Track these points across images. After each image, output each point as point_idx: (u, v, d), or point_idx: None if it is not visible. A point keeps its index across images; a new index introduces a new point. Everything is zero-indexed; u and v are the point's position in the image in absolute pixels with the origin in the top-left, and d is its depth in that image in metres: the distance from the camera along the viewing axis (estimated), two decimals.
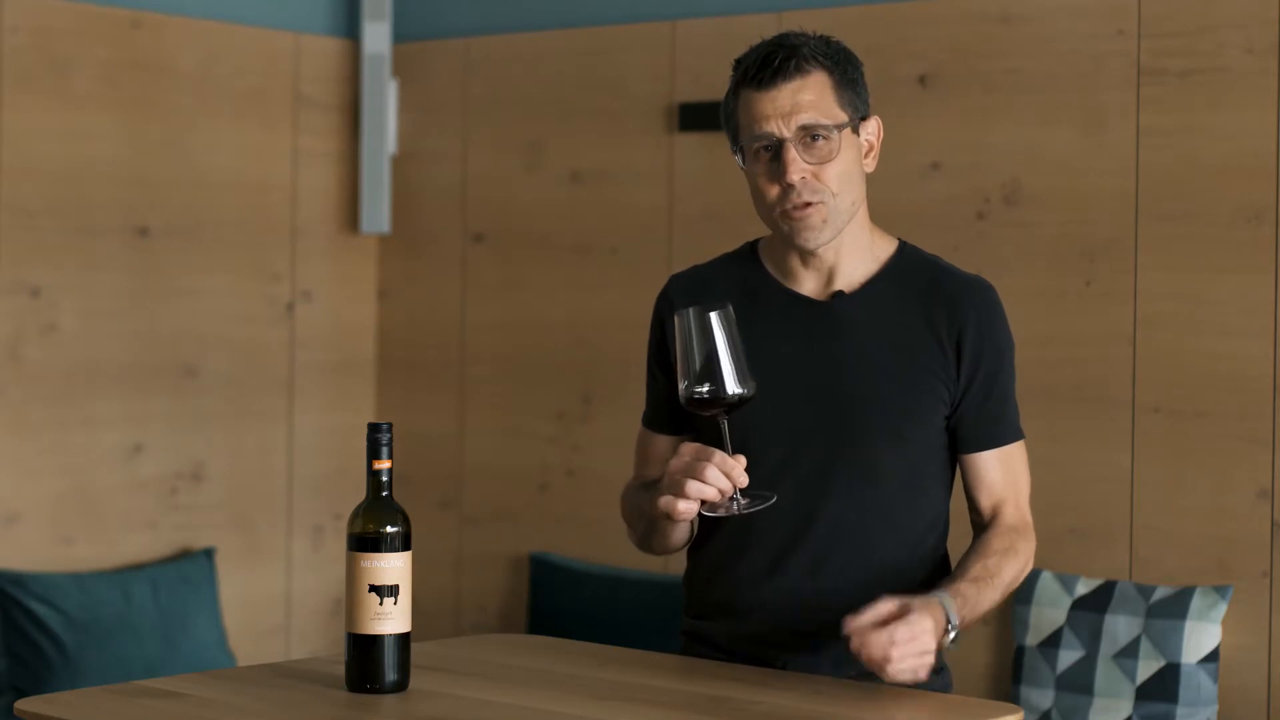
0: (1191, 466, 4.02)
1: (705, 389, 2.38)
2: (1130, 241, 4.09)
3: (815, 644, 2.56)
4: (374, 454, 2.35)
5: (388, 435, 2.36)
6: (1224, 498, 3.98)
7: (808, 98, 2.50)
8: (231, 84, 4.99)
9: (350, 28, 5.27)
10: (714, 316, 2.38)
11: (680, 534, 2.62)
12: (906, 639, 2.32)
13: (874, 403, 2.55)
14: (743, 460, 2.39)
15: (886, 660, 2.31)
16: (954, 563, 2.63)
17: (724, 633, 2.63)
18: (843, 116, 2.52)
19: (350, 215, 5.25)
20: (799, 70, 2.51)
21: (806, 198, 2.50)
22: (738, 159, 2.57)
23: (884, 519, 2.57)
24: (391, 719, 2.24)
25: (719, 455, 2.37)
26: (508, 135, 5.07)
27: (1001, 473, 2.61)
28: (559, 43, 4.99)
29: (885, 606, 2.36)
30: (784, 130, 2.50)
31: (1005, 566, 2.53)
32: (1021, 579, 2.59)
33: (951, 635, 2.38)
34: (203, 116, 4.92)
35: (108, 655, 4.50)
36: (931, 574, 2.61)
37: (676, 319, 2.40)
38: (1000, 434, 2.61)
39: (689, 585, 2.71)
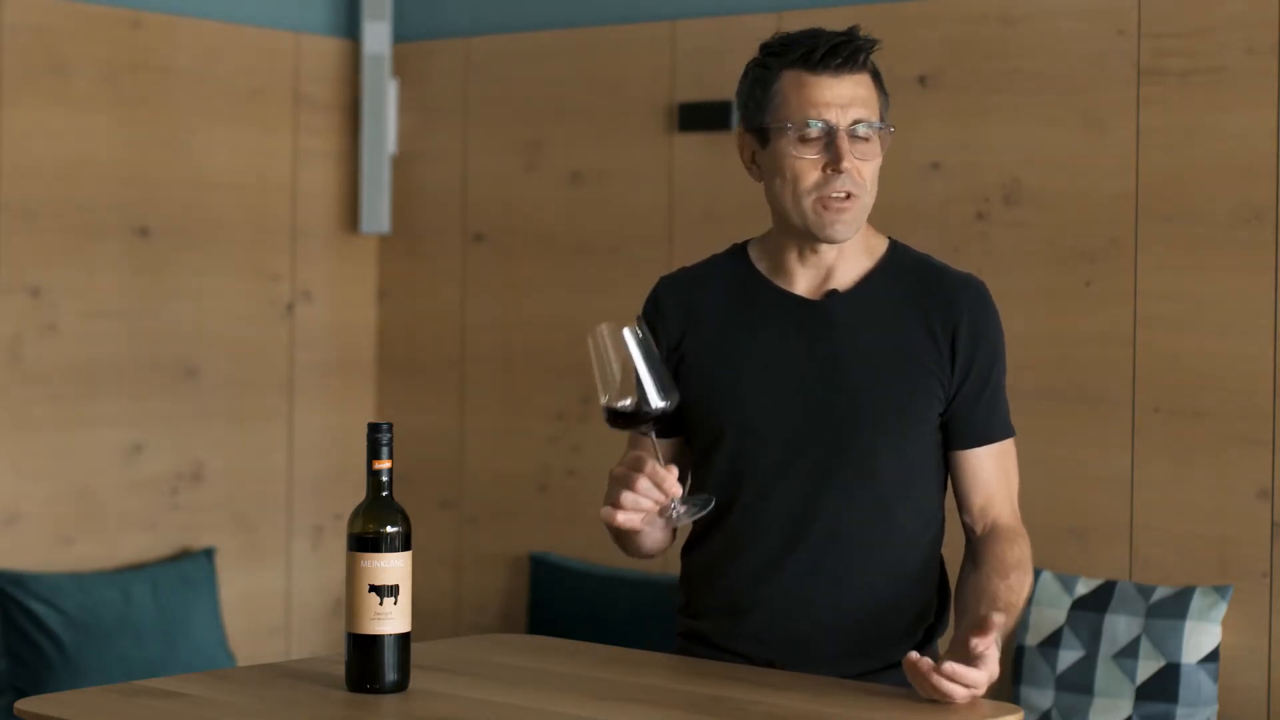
0: (1191, 466, 4.02)
1: (628, 403, 2.40)
2: (1130, 241, 4.09)
3: (813, 643, 2.56)
4: (374, 454, 2.35)
5: (388, 435, 2.36)
6: (1224, 498, 3.98)
7: (864, 93, 2.54)
8: (231, 84, 4.98)
9: (350, 28, 5.27)
10: (627, 332, 2.39)
11: (648, 540, 2.60)
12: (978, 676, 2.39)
13: (870, 401, 2.55)
14: (674, 470, 2.40)
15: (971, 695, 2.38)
16: (949, 567, 2.64)
17: (722, 632, 2.63)
18: (881, 119, 2.56)
19: (350, 215, 5.25)
20: (863, 66, 2.54)
21: (849, 188, 2.52)
22: (750, 139, 2.57)
23: (881, 517, 2.57)
24: (391, 719, 2.24)
25: (650, 466, 2.39)
26: (508, 135, 5.07)
27: (994, 469, 2.61)
28: (559, 43, 4.99)
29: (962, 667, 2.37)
30: (840, 120, 2.51)
31: (1025, 582, 2.54)
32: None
33: None
34: (203, 116, 4.92)
35: (108, 655, 4.50)
36: (928, 573, 2.62)
37: (590, 338, 2.41)
38: (994, 430, 2.61)
39: (685, 586, 2.71)
